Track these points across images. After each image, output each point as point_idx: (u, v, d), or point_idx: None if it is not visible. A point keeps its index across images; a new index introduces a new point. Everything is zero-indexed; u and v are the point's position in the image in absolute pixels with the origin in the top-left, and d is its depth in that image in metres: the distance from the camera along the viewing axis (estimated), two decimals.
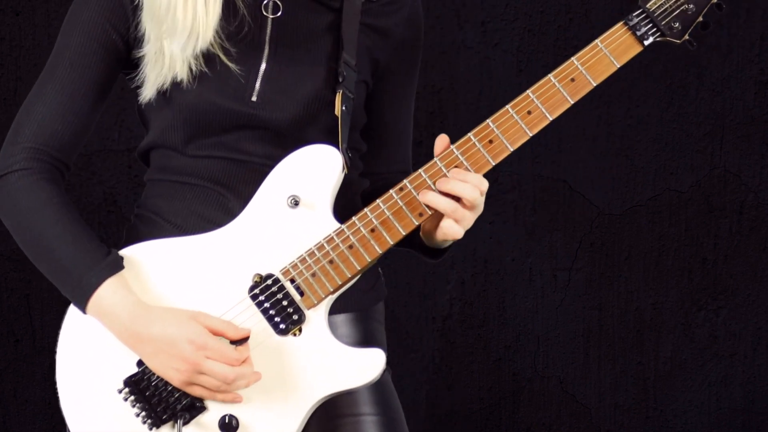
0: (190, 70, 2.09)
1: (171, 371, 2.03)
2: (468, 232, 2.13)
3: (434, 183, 2.07)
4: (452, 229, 2.07)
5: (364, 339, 2.20)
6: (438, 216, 2.10)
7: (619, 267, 3.96)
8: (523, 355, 3.97)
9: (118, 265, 2.06)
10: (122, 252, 2.10)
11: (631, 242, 3.95)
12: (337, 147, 2.10)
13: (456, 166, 2.08)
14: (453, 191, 2.06)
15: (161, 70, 2.09)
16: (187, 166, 2.15)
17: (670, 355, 3.98)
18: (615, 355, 3.98)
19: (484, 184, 2.07)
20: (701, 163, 3.92)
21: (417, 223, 2.09)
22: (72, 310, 2.11)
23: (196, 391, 2.04)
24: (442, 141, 2.09)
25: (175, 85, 2.10)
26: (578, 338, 3.97)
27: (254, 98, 2.11)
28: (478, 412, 3.99)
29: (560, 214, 3.93)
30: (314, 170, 2.09)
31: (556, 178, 3.91)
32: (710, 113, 3.91)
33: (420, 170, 2.09)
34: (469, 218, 2.09)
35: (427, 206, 2.08)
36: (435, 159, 2.09)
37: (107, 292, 2.04)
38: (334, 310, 2.13)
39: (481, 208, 2.10)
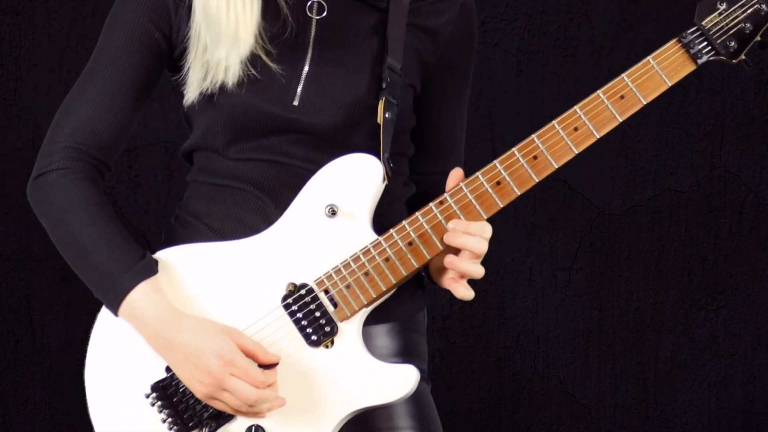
0: (238, 74, 2.06)
1: (195, 383, 2.01)
2: None
3: (442, 214, 2.05)
4: (461, 292, 2.07)
5: (404, 351, 2.16)
6: (442, 263, 2.07)
7: (619, 267, 3.95)
8: (523, 355, 3.97)
9: (151, 269, 2.04)
10: (157, 255, 2.09)
11: (631, 242, 3.95)
12: (379, 156, 2.06)
13: (498, 182, 2.04)
14: (462, 246, 2.03)
15: (206, 75, 2.06)
16: (228, 168, 2.12)
17: (670, 355, 3.98)
18: (615, 355, 3.98)
19: (487, 231, 2.04)
20: (701, 163, 3.92)
21: None
22: (104, 313, 2.09)
23: (218, 406, 2.03)
24: (455, 175, 2.08)
25: (221, 87, 2.07)
26: (578, 338, 3.97)
27: (296, 102, 2.07)
28: (478, 412, 3.99)
29: (560, 214, 3.93)
30: (354, 180, 2.05)
31: (556, 178, 3.90)
32: (710, 113, 3.91)
33: (461, 184, 2.04)
34: (479, 269, 2.06)
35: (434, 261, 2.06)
36: (477, 174, 2.05)
37: (139, 295, 2.02)
38: (373, 321, 2.10)
39: (484, 252, 2.07)
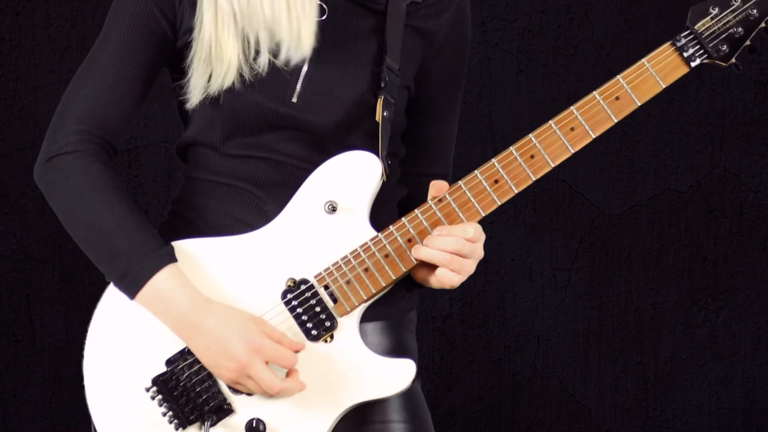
0: (242, 75, 2.08)
1: (221, 368, 2.02)
2: None
3: (441, 212, 2.07)
4: (446, 276, 2.07)
5: (395, 348, 2.17)
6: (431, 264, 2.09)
7: (619, 267, 3.96)
8: (523, 355, 3.97)
9: (174, 256, 2.05)
10: None
11: (631, 242, 3.95)
12: (377, 154, 2.08)
13: (496, 180, 2.07)
14: (436, 247, 2.05)
15: (212, 78, 2.07)
16: (224, 165, 2.13)
17: (670, 355, 3.98)
18: (615, 355, 3.98)
19: (468, 232, 2.05)
20: (701, 163, 3.93)
21: None
22: (102, 306, 2.10)
23: (243, 389, 2.04)
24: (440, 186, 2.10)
25: (224, 88, 2.09)
26: (578, 338, 3.97)
27: (295, 99, 2.08)
28: (478, 412, 3.99)
29: (560, 214, 3.93)
30: (353, 177, 2.07)
31: (556, 178, 3.91)
32: (710, 113, 3.91)
33: (460, 182, 2.08)
34: (469, 265, 2.08)
35: (423, 261, 2.07)
36: (476, 172, 2.08)
37: (166, 277, 2.03)
38: (365, 318, 2.11)
39: (479, 254, 2.09)
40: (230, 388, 2.06)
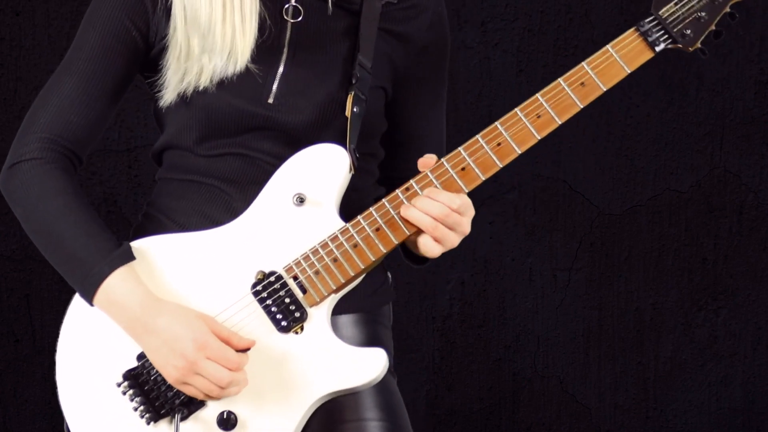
0: (218, 77, 2.09)
1: (169, 367, 2.02)
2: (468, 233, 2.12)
3: (408, 200, 2.07)
4: (427, 246, 2.07)
5: (369, 341, 2.18)
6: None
7: (619, 267, 3.96)
8: (523, 355, 3.97)
9: (129, 256, 2.06)
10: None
11: (631, 242, 3.95)
12: (345, 147, 2.09)
13: (463, 168, 2.08)
14: (423, 209, 2.05)
15: (185, 77, 2.09)
16: (196, 164, 2.15)
17: (670, 355, 3.98)
18: (615, 355, 3.99)
19: (455, 202, 2.05)
20: (701, 163, 3.93)
21: None
22: (75, 303, 2.11)
23: (189, 391, 2.04)
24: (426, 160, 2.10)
25: (196, 89, 2.10)
26: (578, 338, 3.97)
27: (271, 100, 2.10)
28: (478, 412, 3.99)
29: (560, 214, 3.93)
30: (321, 169, 2.09)
31: (556, 178, 3.91)
32: (710, 113, 3.91)
33: (427, 171, 2.09)
34: (452, 238, 2.07)
35: (407, 221, 2.07)
36: (442, 160, 2.09)
37: (118, 281, 2.04)
38: (339, 311, 2.12)
39: (464, 228, 2.08)
40: (180, 396, 2.06)
